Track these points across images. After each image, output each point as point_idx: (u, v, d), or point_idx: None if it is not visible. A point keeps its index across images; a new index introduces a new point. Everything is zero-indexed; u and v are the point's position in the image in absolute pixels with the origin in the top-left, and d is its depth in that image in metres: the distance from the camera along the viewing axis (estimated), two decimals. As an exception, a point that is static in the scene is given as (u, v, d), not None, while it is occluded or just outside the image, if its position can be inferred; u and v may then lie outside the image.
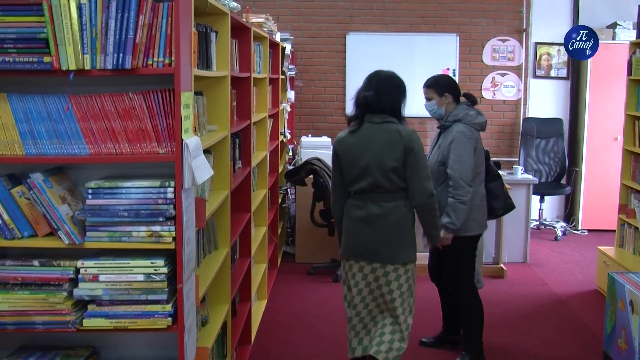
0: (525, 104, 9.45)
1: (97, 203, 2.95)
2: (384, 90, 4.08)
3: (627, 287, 4.39)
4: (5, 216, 3.00)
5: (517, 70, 9.42)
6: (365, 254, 4.12)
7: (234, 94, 4.69)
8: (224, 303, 4.17)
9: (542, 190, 8.84)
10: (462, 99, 4.92)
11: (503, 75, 9.39)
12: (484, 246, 6.98)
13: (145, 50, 2.87)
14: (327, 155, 7.36)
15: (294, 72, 8.84)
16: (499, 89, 9.42)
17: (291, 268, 7.43)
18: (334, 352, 5.19)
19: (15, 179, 3.08)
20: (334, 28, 9.34)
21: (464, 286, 4.87)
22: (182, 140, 2.90)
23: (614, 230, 6.92)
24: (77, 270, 2.97)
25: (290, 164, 8.27)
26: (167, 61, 2.88)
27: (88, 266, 2.96)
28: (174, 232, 2.94)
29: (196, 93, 3.48)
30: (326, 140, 8.15)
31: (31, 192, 2.94)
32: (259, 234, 5.82)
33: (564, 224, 9.24)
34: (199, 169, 3.07)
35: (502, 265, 7.20)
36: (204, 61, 3.68)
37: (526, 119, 9.32)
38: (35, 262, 3.01)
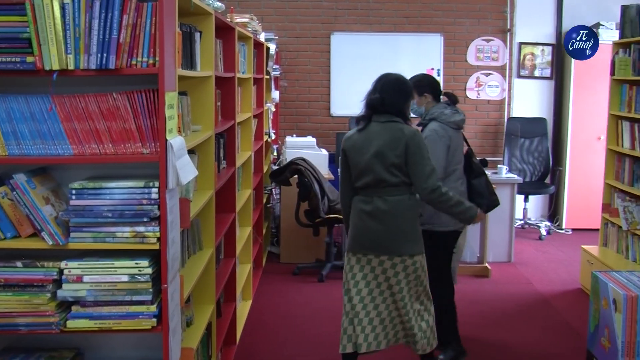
0: (509, 104, 9.50)
1: (81, 204, 2.93)
2: (388, 93, 4.24)
3: (611, 285, 4.41)
4: (-12, 217, 2.98)
5: (501, 70, 9.45)
6: (373, 247, 4.22)
7: (219, 94, 4.68)
8: (208, 303, 4.16)
9: (526, 189, 8.88)
10: (444, 98, 4.96)
11: (487, 75, 9.43)
12: (468, 245, 7.02)
13: (129, 50, 2.86)
14: (311, 155, 7.39)
15: (279, 72, 8.83)
16: (483, 88, 9.45)
17: (276, 268, 7.42)
18: (319, 352, 5.19)
19: (-2, 179, 3.06)
20: (319, 28, 9.34)
21: (440, 280, 4.90)
22: (167, 140, 2.89)
23: (598, 229, 6.95)
24: (61, 271, 2.96)
25: (274, 164, 8.27)
26: (151, 61, 2.87)
27: (72, 267, 2.95)
28: (158, 233, 2.93)
29: (180, 93, 3.47)
30: (311, 140, 8.15)
31: (14, 192, 2.92)
32: (243, 234, 5.81)
33: (548, 223, 9.28)
34: (184, 169, 3.06)
35: (486, 264, 7.23)
36: (188, 61, 3.67)
37: (510, 119, 9.36)
38: (19, 263, 2.99)
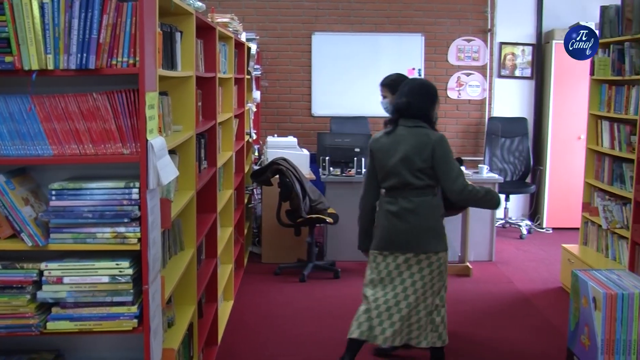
0: (490, 104, 9.54)
1: (61, 204, 2.91)
2: (415, 97, 4.43)
3: (590, 284, 4.44)
4: (-33, 218, 2.96)
5: (482, 70, 9.49)
6: (399, 246, 4.44)
7: (199, 94, 4.67)
8: (190, 304, 4.15)
9: (507, 189, 8.92)
10: None
11: (468, 75, 9.46)
12: (450, 245, 7.03)
13: (110, 50, 2.85)
14: (293, 155, 7.39)
15: (260, 72, 8.83)
16: (464, 88, 9.49)
17: (258, 268, 7.41)
18: (300, 352, 5.19)
19: (-24, 180, 3.03)
20: (300, 28, 9.34)
21: None
22: (147, 140, 2.88)
23: (578, 228, 7.00)
24: (41, 273, 2.93)
25: (256, 164, 8.26)
26: (131, 61, 2.86)
27: (52, 268, 2.92)
28: (139, 233, 2.92)
29: (161, 93, 3.45)
30: (292, 140, 8.15)
31: (-7, 193, 2.90)
32: (225, 234, 5.80)
33: (529, 223, 9.33)
34: (164, 169, 3.05)
35: (468, 263, 7.26)
36: (169, 61, 3.66)
37: (491, 119, 9.40)
38: (-2, 265, 2.97)
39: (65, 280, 2.93)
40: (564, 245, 6.95)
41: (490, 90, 9.50)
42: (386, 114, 5.06)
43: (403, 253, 4.44)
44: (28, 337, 3.01)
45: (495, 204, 4.60)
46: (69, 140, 2.93)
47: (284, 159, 7.05)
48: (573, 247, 6.82)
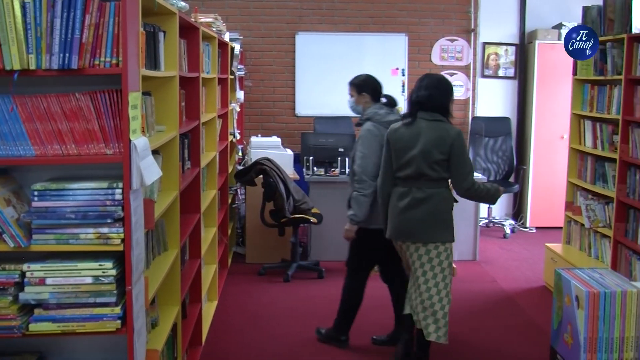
0: (473, 103, 9.56)
1: (44, 205, 2.90)
2: (434, 90, 4.58)
3: (573, 282, 4.46)
4: (-52, 219, 2.93)
5: (465, 69, 9.52)
6: (409, 235, 4.61)
7: (183, 94, 4.65)
8: (174, 305, 4.14)
9: (490, 188, 8.92)
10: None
11: (452, 74, 9.48)
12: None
13: (92, 50, 2.83)
14: (276, 155, 7.38)
15: (243, 72, 8.81)
16: (447, 88, 9.49)
17: (242, 269, 7.40)
18: (285, 352, 5.19)
19: (-42, 181, 3.01)
20: (283, 28, 9.33)
21: (356, 275, 5.24)
22: (130, 141, 2.86)
23: (561, 228, 7.04)
24: (23, 274, 2.91)
25: (239, 164, 8.24)
26: (114, 61, 2.85)
27: (34, 269, 2.91)
28: (122, 234, 2.91)
29: (144, 93, 3.44)
30: (276, 140, 8.14)
31: (-25, 194, 2.88)
32: (208, 234, 5.79)
33: (512, 222, 9.37)
34: (148, 169, 3.04)
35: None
36: (152, 61, 3.64)
37: (475, 118, 9.43)
38: (-21, 266, 2.95)
39: (48, 281, 2.91)
40: (547, 244, 6.98)
41: (473, 90, 9.53)
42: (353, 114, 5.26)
43: (413, 242, 4.59)
44: (10, 339, 2.97)
45: (493, 201, 4.80)
46: (52, 141, 2.91)
47: (268, 159, 7.04)
48: (556, 246, 6.86)
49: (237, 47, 7.70)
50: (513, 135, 9.48)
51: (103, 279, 2.92)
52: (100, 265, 2.91)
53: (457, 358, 5.13)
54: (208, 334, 5.43)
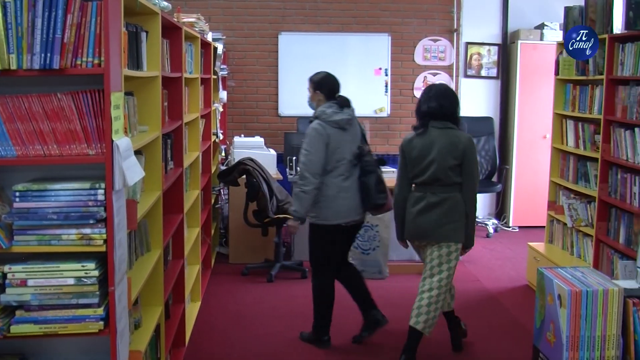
0: (456, 103, 9.56)
1: (25, 206, 2.88)
2: (444, 101, 4.86)
3: (556, 281, 4.48)
4: None
5: (448, 69, 9.54)
6: (424, 235, 4.88)
7: (165, 94, 4.64)
8: (157, 305, 4.12)
9: (473, 188, 8.94)
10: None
11: (434, 74, 9.50)
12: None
13: (74, 50, 2.82)
14: (260, 156, 7.37)
15: (226, 72, 8.79)
16: (430, 88, 9.50)
17: (225, 269, 7.39)
18: (268, 352, 5.18)
19: (-62, 182, 2.99)
20: (266, 28, 9.31)
21: (319, 272, 5.29)
22: (113, 141, 2.85)
23: (544, 227, 7.07)
24: (4, 276, 2.90)
25: (223, 165, 8.22)
26: (96, 61, 2.84)
27: (16, 271, 2.89)
28: (104, 235, 2.90)
29: (126, 93, 3.43)
30: (259, 140, 8.12)
31: (-45, 195, 2.86)
32: (191, 235, 5.77)
33: (495, 221, 9.40)
34: (130, 170, 3.03)
35: (434, 262, 7.28)
36: (135, 61, 3.63)
37: (457, 118, 9.43)
38: (-40, 268, 2.92)
39: (30, 282, 2.89)
40: (530, 243, 7.02)
41: (456, 90, 9.54)
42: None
43: (429, 243, 4.87)
44: (-9, 341, 2.97)
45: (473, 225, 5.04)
46: (33, 141, 2.89)
47: (251, 159, 7.03)
48: (539, 245, 6.89)
49: (220, 47, 7.69)
50: (496, 135, 9.51)
51: (85, 280, 2.90)
52: (82, 266, 2.90)
53: (440, 357, 5.14)
54: (191, 335, 5.42)
